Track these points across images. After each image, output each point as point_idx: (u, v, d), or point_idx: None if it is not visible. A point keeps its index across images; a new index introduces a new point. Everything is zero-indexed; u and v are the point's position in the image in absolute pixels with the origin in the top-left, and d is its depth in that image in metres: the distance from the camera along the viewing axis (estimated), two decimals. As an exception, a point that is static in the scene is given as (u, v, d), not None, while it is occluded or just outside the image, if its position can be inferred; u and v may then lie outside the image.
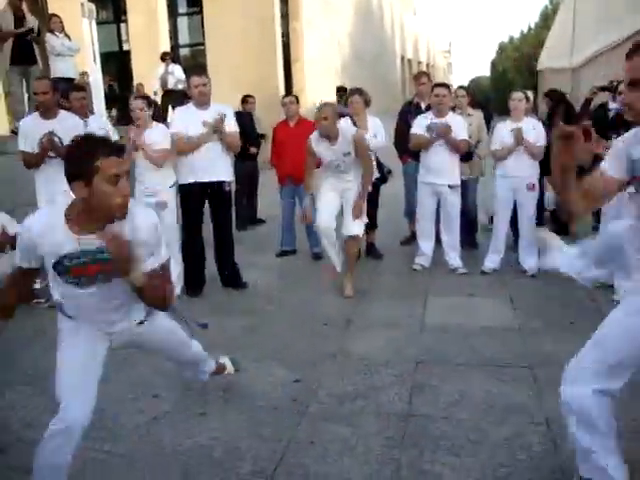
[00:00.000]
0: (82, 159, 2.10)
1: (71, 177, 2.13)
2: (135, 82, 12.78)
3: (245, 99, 7.77)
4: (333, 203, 4.98)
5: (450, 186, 5.49)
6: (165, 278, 2.40)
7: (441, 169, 5.46)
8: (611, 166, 2.17)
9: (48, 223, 2.19)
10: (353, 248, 5.08)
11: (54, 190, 4.72)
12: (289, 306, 4.85)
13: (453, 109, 5.99)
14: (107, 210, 2.14)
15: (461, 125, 5.49)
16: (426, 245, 5.73)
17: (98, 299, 2.34)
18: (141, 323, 2.54)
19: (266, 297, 5.05)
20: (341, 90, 10.23)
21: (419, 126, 5.51)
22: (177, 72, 11.46)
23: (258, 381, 3.53)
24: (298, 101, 6.52)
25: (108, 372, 3.64)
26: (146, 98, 5.26)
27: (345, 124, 4.99)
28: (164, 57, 11.50)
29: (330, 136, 4.76)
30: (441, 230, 5.69)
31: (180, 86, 11.12)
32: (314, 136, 4.88)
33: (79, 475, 2.64)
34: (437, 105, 5.46)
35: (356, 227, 4.97)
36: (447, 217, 5.59)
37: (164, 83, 11.37)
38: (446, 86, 5.69)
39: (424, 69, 33.13)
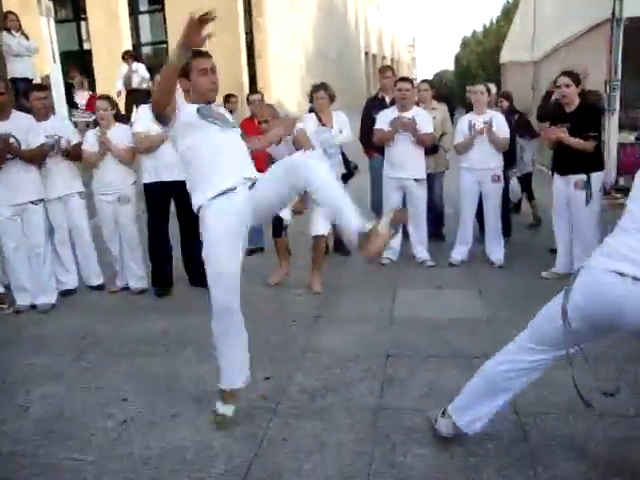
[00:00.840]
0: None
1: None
2: (97, 81, 12.53)
3: (227, 98, 7.60)
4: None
5: (416, 180, 5.52)
6: None
7: (406, 163, 5.49)
8: None
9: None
10: (319, 245, 5.11)
11: (13, 194, 4.61)
12: (257, 304, 4.82)
13: (417, 103, 6.03)
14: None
15: (426, 119, 5.52)
16: (395, 240, 5.74)
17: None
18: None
19: (235, 295, 5.01)
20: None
21: (383, 121, 5.53)
22: (141, 70, 11.29)
23: (229, 380, 3.50)
24: (263, 98, 6.48)
25: (74, 381, 3.61)
26: (108, 98, 5.19)
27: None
28: (125, 56, 11.31)
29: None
30: (408, 224, 5.72)
31: (144, 85, 10.97)
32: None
33: (47, 482, 2.60)
34: (400, 100, 5.48)
35: (321, 227, 5.02)
36: (414, 211, 5.61)
37: (128, 82, 11.19)
38: (409, 80, 5.71)
39: (388, 64, 33.24)
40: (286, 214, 4.96)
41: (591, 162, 4.75)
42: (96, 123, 5.26)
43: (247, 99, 6.67)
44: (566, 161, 4.82)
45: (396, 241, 5.74)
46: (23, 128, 4.61)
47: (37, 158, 4.71)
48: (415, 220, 5.65)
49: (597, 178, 4.79)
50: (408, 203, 5.64)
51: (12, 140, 4.51)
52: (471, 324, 4.20)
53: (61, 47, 11.62)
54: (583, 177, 4.72)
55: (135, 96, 11.06)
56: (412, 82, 5.74)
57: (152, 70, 9.32)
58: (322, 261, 5.17)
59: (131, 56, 11.36)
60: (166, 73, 2.68)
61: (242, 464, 2.69)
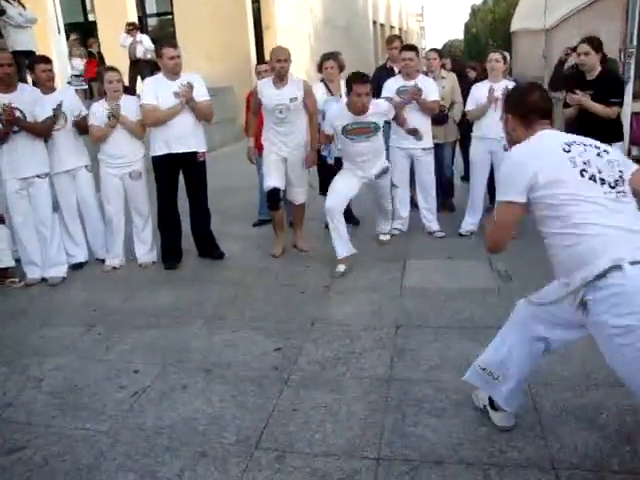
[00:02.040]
0: None
1: None
2: (103, 50, 12.31)
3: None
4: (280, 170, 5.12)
5: (423, 149, 5.46)
6: None
7: None
8: None
9: None
10: (300, 212, 5.38)
11: (19, 167, 4.59)
12: (267, 275, 4.83)
13: (426, 73, 5.97)
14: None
15: (432, 86, 5.46)
16: (404, 210, 5.72)
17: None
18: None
19: (244, 267, 5.01)
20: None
21: (389, 90, 5.47)
22: (145, 41, 11.19)
23: (239, 351, 3.52)
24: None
25: (86, 352, 3.63)
26: (118, 70, 5.14)
27: (293, 77, 5.08)
28: (129, 28, 11.18)
29: (282, 79, 4.90)
30: (417, 194, 5.68)
31: (149, 55, 10.86)
32: (262, 81, 5.08)
33: (63, 455, 2.63)
34: (405, 68, 5.43)
35: (301, 196, 5.27)
36: (422, 181, 5.57)
37: (133, 53, 11.10)
38: (413, 48, 5.63)
39: (397, 33, 32.75)
40: (277, 183, 5.03)
41: (611, 132, 4.61)
42: (95, 93, 5.12)
43: (255, 70, 6.58)
44: (586, 131, 4.68)
45: (405, 211, 5.71)
46: (29, 101, 4.57)
47: (43, 131, 4.67)
48: (424, 190, 5.61)
49: (616, 149, 4.68)
50: (416, 172, 5.60)
51: (17, 113, 4.48)
52: (481, 294, 4.18)
53: (65, 18, 11.53)
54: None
55: (139, 67, 10.98)
56: (417, 50, 5.66)
57: (155, 42, 9.20)
58: (303, 222, 5.42)
59: (135, 27, 11.27)
60: None
61: (253, 435, 2.71)
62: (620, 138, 4.79)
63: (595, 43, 4.64)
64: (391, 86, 5.48)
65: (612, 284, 2.03)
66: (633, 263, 2.02)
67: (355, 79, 4.54)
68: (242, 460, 2.54)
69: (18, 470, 2.55)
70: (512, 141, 2.43)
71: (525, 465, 2.42)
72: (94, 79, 9.99)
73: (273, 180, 5.03)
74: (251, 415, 2.86)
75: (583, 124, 4.67)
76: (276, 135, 5.02)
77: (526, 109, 2.37)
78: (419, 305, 4.07)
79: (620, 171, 2.23)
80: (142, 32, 11.60)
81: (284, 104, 4.87)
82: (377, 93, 5.80)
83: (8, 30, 8.35)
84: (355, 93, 4.52)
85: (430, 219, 5.66)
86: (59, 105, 4.72)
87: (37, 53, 7.99)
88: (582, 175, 2.17)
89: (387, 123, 5.73)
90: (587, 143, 2.31)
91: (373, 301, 4.16)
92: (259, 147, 5.24)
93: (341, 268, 4.72)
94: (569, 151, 2.22)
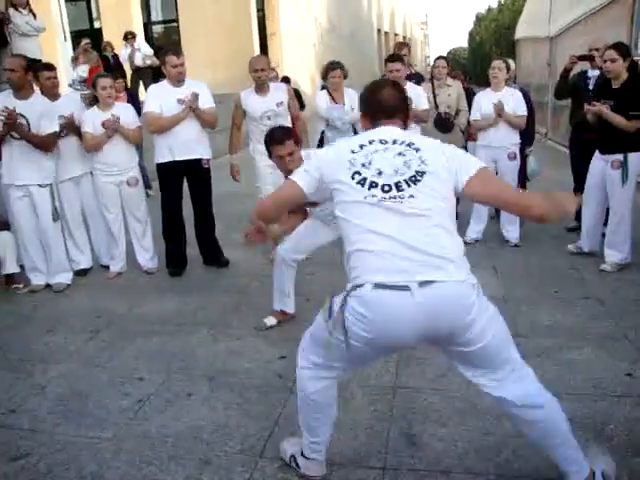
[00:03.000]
0: None
1: None
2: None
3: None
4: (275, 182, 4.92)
5: None
6: None
7: None
8: None
9: None
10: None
11: (18, 174, 4.59)
12: (271, 283, 4.80)
13: (432, 80, 6.05)
14: None
15: (420, 95, 5.51)
16: None
17: None
18: None
19: (248, 274, 5.00)
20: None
21: None
22: (143, 48, 11.17)
23: (243, 359, 3.50)
24: (278, 75, 6.44)
25: (90, 359, 3.62)
26: (111, 76, 5.16)
27: (275, 82, 5.26)
28: (127, 37, 11.14)
29: (264, 88, 4.96)
30: None
31: (148, 62, 10.87)
32: (244, 92, 5.11)
33: (67, 463, 2.62)
34: (392, 79, 5.47)
35: None
36: None
37: (131, 61, 11.09)
38: (399, 59, 5.67)
39: (401, 41, 32.83)
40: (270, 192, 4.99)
41: (630, 141, 4.48)
42: (95, 100, 5.08)
43: None
44: (606, 139, 4.58)
45: None
46: (37, 112, 4.53)
47: (40, 144, 4.57)
48: None
49: (635, 159, 4.50)
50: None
51: (23, 121, 4.46)
52: (487, 303, 4.15)
53: (71, 26, 11.58)
54: (619, 157, 4.48)
55: (140, 74, 10.98)
56: (403, 60, 5.74)
57: (161, 49, 9.20)
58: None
59: (133, 36, 11.24)
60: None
61: (258, 443, 2.69)
62: (635, 149, 4.53)
63: (622, 49, 4.47)
64: None
65: (354, 304, 2.02)
66: (377, 286, 1.95)
67: (271, 141, 3.68)
68: (246, 469, 2.52)
69: (21, 478, 2.54)
70: None
71: (532, 476, 2.40)
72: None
73: (268, 189, 4.92)
74: (256, 423, 2.84)
75: (603, 132, 4.57)
76: (263, 143, 4.95)
77: (371, 107, 2.27)
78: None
79: (418, 172, 2.04)
80: (147, 39, 11.60)
81: (272, 110, 4.96)
82: None
83: (14, 37, 8.38)
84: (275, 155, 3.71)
85: None
86: (65, 123, 4.73)
87: (43, 61, 8.02)
88: (353, 178, 2.07)
89: None
90: (394, 141, 2.13)
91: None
92: None
93: (269, 322, 3.99)
94: (356, 152, 2.12)
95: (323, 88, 5.88)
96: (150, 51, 11.09)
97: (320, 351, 2.22)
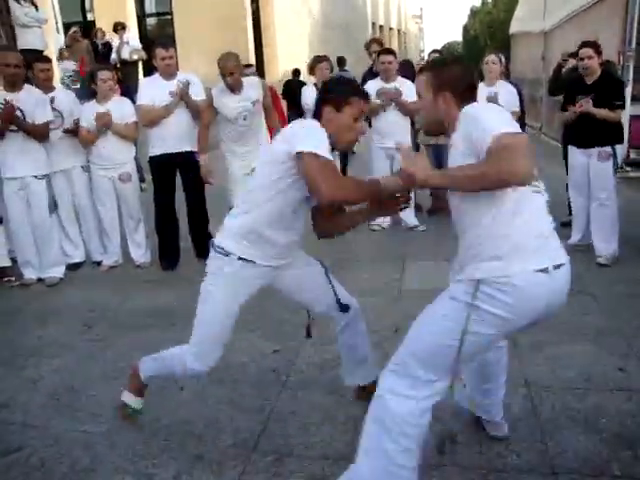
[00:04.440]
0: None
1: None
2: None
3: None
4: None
5: None
6: None
7: (393, 132, 5.59)
8: None
9: None
10: None
11: (15, 166, 4.57)
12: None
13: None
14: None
15: (410, 88, 5.57)
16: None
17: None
18: None
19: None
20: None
21: (369, 92, 5.60)
22: (132, 41, 11.01)
23: (236, 353, 3.50)
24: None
25: (83, 353, 3.61)
26: (110, 69, 5.12)
27: (246, 79, 4.95)
28: (117, 29, 10.97)
29: (235, 88, 4.72)
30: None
31: (135, 56, 10.75)
32: (216, 90, 4.81)
33: (60, 457, 2.61)
34: (384, 72, 5.65)
35: None
36: None
37: (118, 54, 10.93)
38: (391, 52, 5.85)
39: (395, 35, 32.92)
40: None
41: (612, 134, 4.64)
42: (93, 95, 5.07)
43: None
44: (587, 133, 4.68)
45: None
46: (31, 102, 4.54)
47: (39, 135, 4.62)
48: None
49: (618, 151, 4.72)
50: (395, 172, 5.71)
51: (18, 112, 4.45)
52: (480, 298, 4.16)
53: (64, 17, 11.46)
54: (608, 149, 4.61)
55: (128, 68, 10.84)
56: (394, 53, 5.88)
57: (153, 43, 9.12)
58: None
59: (122, 28, 11.00)
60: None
61: (250, 437, 2.69)
62: (620, 140, 4.76)
63: (596, 46, 4.65)
64: (370, 88, 5.65)
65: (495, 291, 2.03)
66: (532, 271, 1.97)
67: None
68: (239, 463, 2.52)
69: (14, 472, 2.53)
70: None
71: (524, 470, 2.40)
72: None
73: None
74: (248, 418, 2.84)
75: (583, 127, 4.68)
76: (238, 144, 4.92)
77: (470, 89, 2.18)
78: (418, 307, 4.02)
79: None
80: (141, 31, 11.46)
81: (247, 109, 4.76)
82: None
83: (16, 29, 8.32)
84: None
85: (409, 215, 5.84)
86: (59, 113, 4.72)
87: (45, 52, 7.97)
88: None
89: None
90: None
91: (371, 304, 4.13)
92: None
93: None
94: None
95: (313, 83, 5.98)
96: (138, 45, 10.96)
97: (433, 362, 2.13)
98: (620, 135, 4.75)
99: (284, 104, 7.96)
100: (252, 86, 4.81)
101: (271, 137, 4.93)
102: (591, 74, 4.64)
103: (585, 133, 4.69)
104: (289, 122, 5.69)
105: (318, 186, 2.13)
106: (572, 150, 4.87)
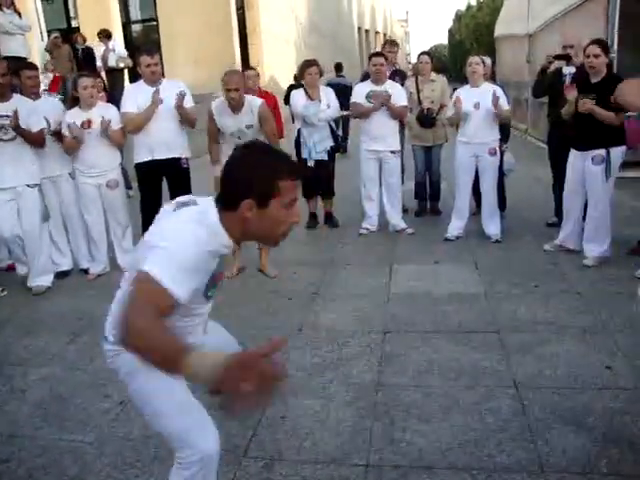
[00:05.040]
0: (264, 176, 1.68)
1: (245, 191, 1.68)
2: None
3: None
4: None
5: (392, 151, 5.71)
6: None
7: (382, 135, 5.64)
8: None
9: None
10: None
11: (6, 177, 4.53)
12: (253, 282, 4.81)
13: (416, 76, 6.20)
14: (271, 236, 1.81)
15: (401, 92, 5.69)
16: (372, 209, 5.92)
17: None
18: None
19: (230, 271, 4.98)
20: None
21: (358, 95, 5.75)
22: (117, 49, 10.97)
23: (226, 359, 3.49)
24: (259, 74, 6.40)
25: (71, 362, 3.59)
26: (91, 76, 5.09)
27: (250, 97, 4.71)
28: (100, 35, 10.83)
29: (235, 107, 4.57)
30: (383, 195, 5.89)
31: (121, 64, 10.72)
32: (217, 104, 4.68)
33: (48, 467, 2.59)
34: (375, 74, 5.66)
35: None
36: (389, 183, 5.82)
37: (104, 62, 10.88)
38: (382, 55, 5.86)
39: (381, 39, 33.03)
40: None
41: (613, 136, 4.50)
42: (74, 102, 5.01)
43: (245, 76, 6.55)
44: (586, 136, 4.58)
45: (373, 210, 5.84)
46: (23, 111, 4.48)
47: (39, 141, 4.61)
48: (389, 191, 5.85)
49: (617, 153, 4.54)
50: (383, 175, 5.83)
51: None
52: (469, 299, 4.19)
53: (48, 25, 11.44)
54: (601, 152, 4.49)
55: (114, 76, 10.80)
56: (385, 56, 5.90)
57: (138, 49, 9.09)
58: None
59: (106, 35, 10.95)
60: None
61: (241, 443, 2.68)
62: (622, 142, 4.57)
63: (604, 45, 4.53)
64: (360, 91, 5.73)
65: None
66: None
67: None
68: (230, 469, 2.51)
69: (2, 483, 2.51)
70: None
71: (514, 469, 2.41)
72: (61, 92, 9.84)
73: None
74: (239, 423, 2.83)
75: (583, 128, 4.57)
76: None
77: None
78: (406, 310, 4.06)
79: None
80: (126, 38, 11.43)
81: (241, 130, 4.62)
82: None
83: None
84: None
85: (397, 218, 5.88)
86: (46, 120, 4.70)
87: (28, 59, 7.94)
88: None
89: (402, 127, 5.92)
90: None
91: (360, 307, 4.15)
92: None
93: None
94: None
95: (299, 86, 5.99)
96: (124, 52, 10.94)
97: None
98: (620, 137, 4.56)
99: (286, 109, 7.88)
100: (251, 110, 4.59)
101: None
102: (597, 73, 4.50)
103: (583, 135, 4.61)
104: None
105: (126, 316, 1.52)
106: (572, 153, 4.76)
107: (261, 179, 1.67)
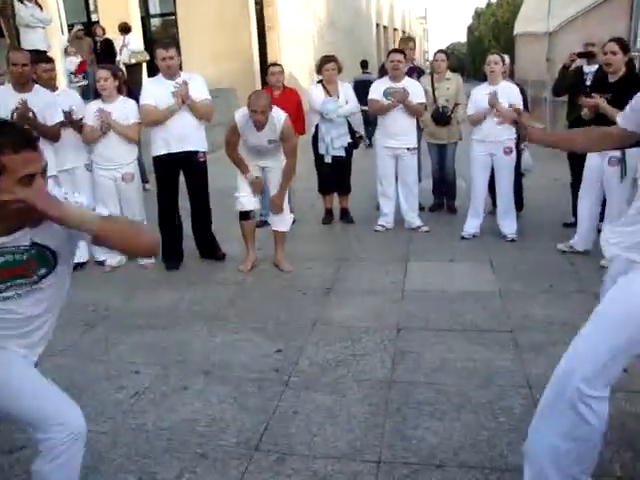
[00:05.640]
0: None
1: None
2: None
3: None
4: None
5: (408, 149, 5.68)
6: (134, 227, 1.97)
7: (399, 133, 5.62)
8: (625, 116, 2.17)
9: None
10: (280, 236, 4.93)
11: None
12: (268, 276, 4.82)
13: (432, 74, 6.17)
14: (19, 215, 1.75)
15: (418, 89, 5.65)
16: (388, 206, 5.89)
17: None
18: None
19: (246, 269, 5.00)
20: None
21: (376, 92, 5.70)
22: (132, 44, 10.96)
23: (239, 352, 3.51)
24: (283, 70, 6.34)
25: (86, 352, 3.62)
26: (110, 68, 5.12)
27: (275, 111, 4.54)
28: (120, 29, 10.90)
29: (259, 127, 4.46)
30: (399, 192, 5.86)
31: (133, 60, 10.75)
32: (240, 117, 4.53)
33: (60, 453, 2.62)
34: (392, 70, 5.62)
35: (282, 224, 4.87)
36: (405, 180, 5.79)
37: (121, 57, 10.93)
38: (401, 52, 5.83)
39: (400, 36, 32.88)
40: (249, 203, 4.85)
41: None
42: (97, 94, 5.09)
43: (268, 72, 6.51)
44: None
45: (389, 208, 5.82)
46: (41, 103, 4.55)
47: (51, 135, 4.66)
48: (406, 188, 5.82)
49: (633, 153, 4.42)
50: (399, 172, 5.80)
51: (29, 114, 4.47)
52: (483, 297, 4.17)
53: (68, 18, 11.51)
54: (616, 153, 4.43)
55: (131, 70, 10.84)
56: (404, 53, 5.85)
57: (156, 42, 9.12)
58: (284, 244, 4.98)
59: (124, 29, 11.00)
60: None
61: (253, 436, 2.70)
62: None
63: (623, 43, 4.48)
64: (378, 88, 5.70)
65: None
66: None
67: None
68: (242, 462, 2.53)
69: (17, 470, 2.54)
70: None
71: (526, 469, 2.40)
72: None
73: (248, 199, 4.83)
74: (251, 417, 2.85)
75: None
76: (253, 154, 4.76)
77: None
78: (420, 307, 4.05)
79: None
80: (145, 32, 11.45)
81: (263, 145, 4.61)
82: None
83: (20, 29, 8.39)
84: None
85: (412, 216, 5.85)
86: (70, 111, 4.73)
87: (48, 53, 8.01)
88: None
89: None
90: None
91: (374, 303, 4.14)
92: None
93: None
94: None
95: (320, 82, 5.95)
96: (139, 47, 10.96)
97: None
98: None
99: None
100: (273, 127, 4.50)
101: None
102: (614, 71, 4.44)
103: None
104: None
105: None
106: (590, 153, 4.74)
107: None
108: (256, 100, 4.35)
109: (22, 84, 4.54)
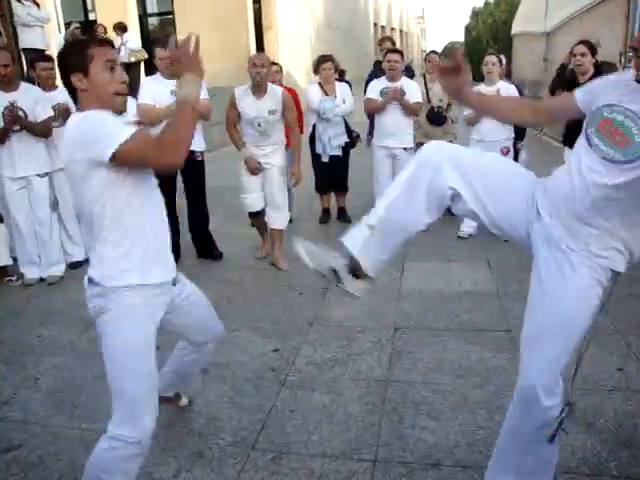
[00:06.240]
0: (75, 50, 2.03)
1: (68, 69, 2.01)
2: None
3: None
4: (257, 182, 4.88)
5: (404, 148, 5.68)
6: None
7: (395, 132, 5.63)
8: (583, 92, 2.19)
9: None
10: (278, 234, 4.96)
11: (18, 167, 4.59)
12: (265, 276, 4.82)
13: (424, 75, 6.20)
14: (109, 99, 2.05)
15: (414, 89, 5.67)
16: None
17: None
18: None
19: (242, 267, 5.01)
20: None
21: (373, 91, 5.74)
22: (130, 42, 10.99)
23: (236, 352, 3.51)
24: (281, 69, 6.36)
25: (84, 351, 3.62)
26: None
27: (273, 86, 4.77)
28: (115, 29, 10.92)
29: (260, 88, 4.60)
30: None
31: (132, 58, 10.76)
32: (240, 89, 4.75)
33: (59, 454, 2.62)
34: (389, 70, 5.65)
35: (279, 222, 4.91)
36: None
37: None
38: (398, 52, 5.85)
39: (398, 36, 32.95)
40: (256, 204, 4.92)
41: None
42: None
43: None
44: (577, 134, 4.65)
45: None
46: (31, 100, 4.56)
47: (42, 131, 4.65)
48: None
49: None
50: (396, 171, 5.76)
51: (20, 112, 4.47)
52: (480, 297, 4.18)
53: (66, 17, 11.50)
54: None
55: (129, 69, 10.85)
56: (401, 53, 5.89)
57: (154, 41, 9.13)
58: (281, 242, 5.00)
59: (120, 28, 11.02)
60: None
61: (250, 435, 2.70)
62: None
63: (591, 45, 4.63)
64: (375, 87, 5.72)
65: None
66: None
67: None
68: (238, 461, 2.53)
69: (13, 469, 2.54)
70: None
71: (522, 468, 2.40)
72: None
73: (255, 200, 4.90)
74: (248, 416, 2.85)
75: (575, 127, 4.62)
76: (256, 147, 4.81)
77: None
78: (417, 307, 4.06)
79: None
80: (142, 31, 11.48)
81: (263, 117, 4.65)
82: None
83: (18, 28, 8.37)
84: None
85: None
86: (59, 104, 4.71)
87: (46, 51, 8.00)
88: None
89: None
90: None
91: (371, 303, 4.14)
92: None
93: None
94: None
95: (318, 82, 5.97)
96: (137, 46, 10.97)
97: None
98: None
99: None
100: (274, 96, 4.65)
101: (286, 147, 4.97)
102: (583, 73, 4.60)
103: (575, 133, 4.61)
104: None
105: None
106: (566, 150, 4.82)
107: (73, 54, 2.01)
108: (256, 55, 4.64)
109: (6, 84, 4.52)
